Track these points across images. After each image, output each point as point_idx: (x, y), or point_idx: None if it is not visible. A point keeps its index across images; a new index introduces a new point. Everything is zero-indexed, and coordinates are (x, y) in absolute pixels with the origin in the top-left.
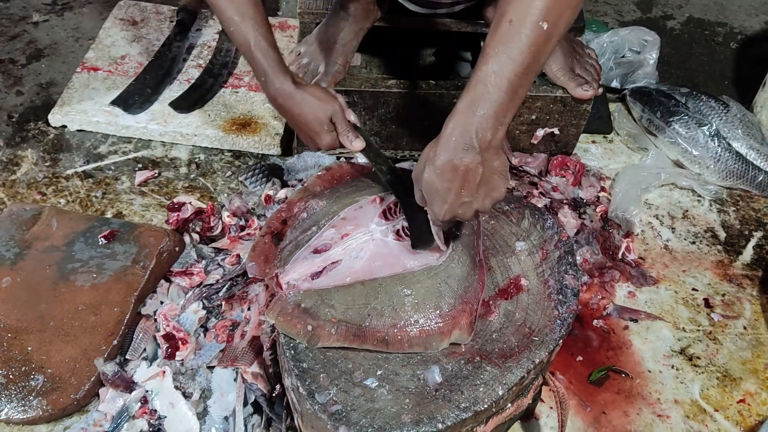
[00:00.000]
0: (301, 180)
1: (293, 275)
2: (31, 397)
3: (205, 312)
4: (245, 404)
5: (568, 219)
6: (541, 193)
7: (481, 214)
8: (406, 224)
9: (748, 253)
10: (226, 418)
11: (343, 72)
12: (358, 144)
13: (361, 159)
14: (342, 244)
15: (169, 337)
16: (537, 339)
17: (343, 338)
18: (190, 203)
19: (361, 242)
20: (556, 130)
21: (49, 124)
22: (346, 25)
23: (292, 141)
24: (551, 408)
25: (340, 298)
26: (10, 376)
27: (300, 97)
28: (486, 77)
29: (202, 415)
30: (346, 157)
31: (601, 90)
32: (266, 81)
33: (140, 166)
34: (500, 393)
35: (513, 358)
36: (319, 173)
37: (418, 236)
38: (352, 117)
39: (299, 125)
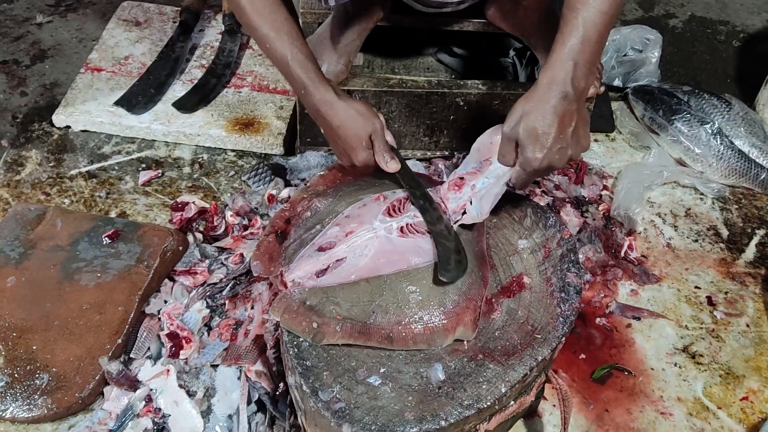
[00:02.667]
0: (303, 179)
1: (298, 273)
2: (36, 396)
3: (208, 311)
4: (249, 402)
5: (570, 217)
6: (543, 191)
7: (571, 162)
8: (410, 221)
9: (750, 251)
10: (230, 417)
11: (346, 72)
12: (394, 166)
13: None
14: (346, 242)
15: (173, 336)
16: (540, 337)
17: (348, 335)
18: (193, 203)
19: (365, 240)
20: None
21: (53, 125)
22: (348, 25)
23: (295, 140)
24: (554, 406)
25: (344, 295)
26: (15, 375)
27: (342, 109)
28: (578, 29)
29: (206, 414)
30: None
31: (603, 88)
32: (306, 93)
33: (144, 166)
34: (503, 390)
35: (516, 355)
36: (322, 172)
37: (446, 264)
38: (390, 138)
39: (337, 138)
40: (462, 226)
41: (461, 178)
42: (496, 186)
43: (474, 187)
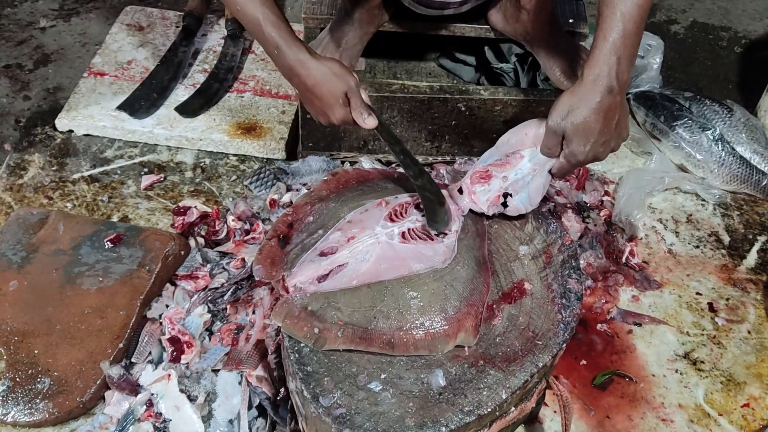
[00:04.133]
0: (305, 184)
1: (300, 278)
2: (38, 400)
3: (210, 315)
4: (250, 407)
5: (571, 223)
6: (544, 197)
7: (611, 153)
8: (411, 226)
9: (752, 257)
10: (230, 421)
11: None
12: (371, 121)
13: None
14: (348, 247)
15: (174, 341)
16: (540, 343)
17: (350, 341)
18: (195, 207)
19: (367, 245)
20: None
21: (56, 129)
22: (350, 30)
23: (296, 145)
24: (555, 412)
25: (346, 300)
26: (17, 379)
27: (315, 67)
28: (617, 24)
29: (207, 418)
30: (351, 162)
31: None
32: (279, 54)
33: (146, 170)
34: (504, 397)
35: (516, 361)
36: (325, 178)
37: (433, 215)
38: (365, 96)
39: (312, 97)
40: (464, 231)
41: (486, 171)
42: (540, 176)
43: (506, 179)
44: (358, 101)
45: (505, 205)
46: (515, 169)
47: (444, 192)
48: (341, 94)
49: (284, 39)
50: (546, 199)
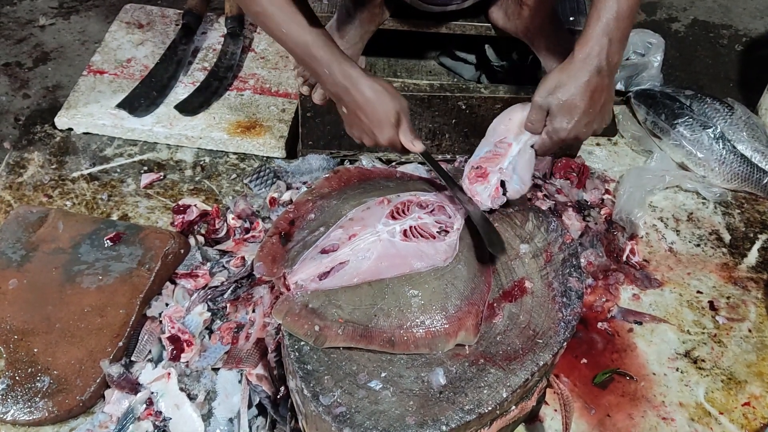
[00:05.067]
0: (305, 182)
1: (301, 275)
2: (37, 399)
3: (210, 314)
4: (250, 406)
5: (572, 221)
6: (545, 195)
7: (585, 137)
8: (413, 224)
9: (753, 256)
10: (230, 420)
11: None
12: (419, 145)
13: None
14: (349, 245)
15: (174, 339)
16: (541, 341)
17: (350, 339)
18: (195, 206)
19: (368, 243)
20: None
21: (55, 127)
22: (351, 28)
23: (296, 144)
24: (555, 410)
25: (347, 298)
26: (17, 378)
27: (369, 86)
28: (612, 6)
29: (206, 417)
30: (351, 161)
31: None
32: (331, 72)
33: (146, 168)
34: (504, 395)
35: (517, 360)
36: (327, 175)
37: (492, 237)
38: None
39: (362, 116)
40: (465, 230)
41: (479, 167)
42: (524, 154)
43: (502, 170)
44: (408, 124)
45: (504, 193)
46: (506, 158)
47: (444, 192)
48: (393, 113)
49: (336, 57)
50: (547, 197)
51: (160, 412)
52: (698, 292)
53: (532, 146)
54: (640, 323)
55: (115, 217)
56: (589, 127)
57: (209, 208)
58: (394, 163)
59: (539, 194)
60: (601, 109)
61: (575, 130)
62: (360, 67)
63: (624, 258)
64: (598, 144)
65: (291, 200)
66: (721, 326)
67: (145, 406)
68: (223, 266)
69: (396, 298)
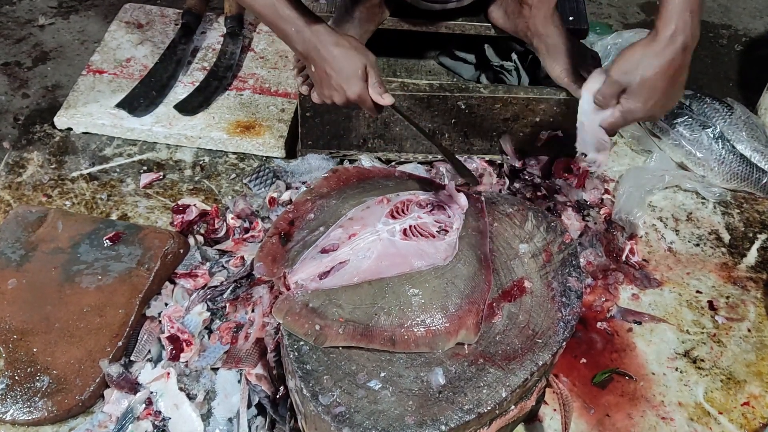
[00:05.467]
0: (304, 182)
1: (301, 275)
2: (37, 398)
3: (209, 314)
4: (249, 406)
5: (571, 221)
6: (544, 195)
7: (658, 118)
8: (413, 223)
9: (752, 256)
10: (230, 420)
11: None
12: (388, 99)
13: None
14: (349, 244)
15: (173, 339)
16: (540, 341)
17: (351, 338)
18: (194, 205)
19: (368, 242)
20: (559, 133)
21: (54, 127)
22: (351, 27)
23: (296, 143)
24: (555, 410)
25: (347, 297)
26: (16, 378)
27: (335, 41)
28: None
29: (206, 417)
30: (350, 160)
31: None
32: (297, 30)
33: (145, 168)
34: (503, 395)
35: (516, 360)
36: (326, 175)
37: (464, 170)
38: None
39: (330, 72)
40: (465, 229)
41: None
42: (594, 123)
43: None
44: (376, 77)
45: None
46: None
47: (444, 191)
48: (361, 67)
49: (303, 14)
50: (546, 197)
51: (160, 412)
52: (697, 291)
53: (600, 125)
54: (640, 323)
55: (114, 217)
56: (664, 108)
57: (209, 208)
58: (393, 163)
59: (539, 194)
60: (679, 88)
61: (652, 110)
62: (327, 24)
63: (623, 258)
64: None
65: (290, 200)
66: (720, 326)
67: (144, 405)
68: (223, 266)
69: (396, 297)
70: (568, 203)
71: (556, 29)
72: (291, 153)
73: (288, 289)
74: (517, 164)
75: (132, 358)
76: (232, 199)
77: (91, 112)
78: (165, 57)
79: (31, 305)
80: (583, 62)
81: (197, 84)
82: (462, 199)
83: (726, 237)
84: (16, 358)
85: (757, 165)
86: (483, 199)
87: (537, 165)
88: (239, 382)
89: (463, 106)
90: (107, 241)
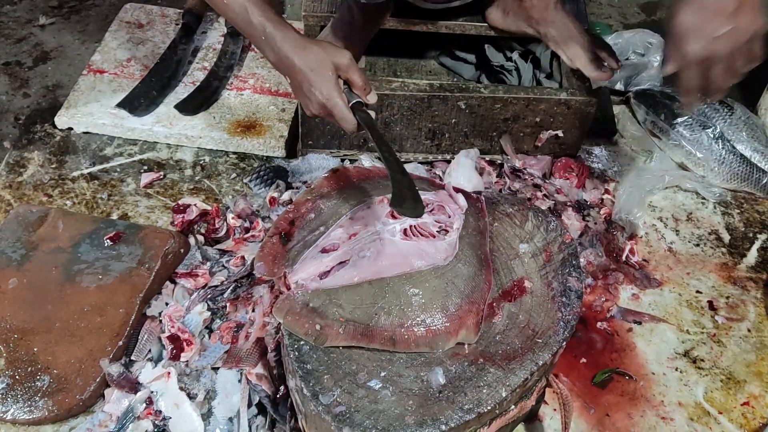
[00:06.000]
0: (305, 182)
1: (301, 275)
2: (37, 398)
3: (209, 313)
4: (249, 405)
5: (572, 221)
6: (545, 195)
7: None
8: (413, 223)
9: (752, 256)
10: (230, 419)
11: None
12: (373, 97)
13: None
14: (350, 244)
15: (174, 339)
16: (540, 341)
17: (351, 337)
18: (195, 205)
19: (368, 242)
20: (560, 133)
21: (55, 127)
22: (351, 30)
23: (296, 143)
24: (555, 410)
25: (347, 297)
26: (17, 377)
27: (306, 46)
28: None
29: (206, 416)
30: (351, 160)
31: (621, 64)
32: (267, 39)
33: (146, 168)
34: (504, 395)
35: (516, 359)
36: (326, 174)
37: (400, 197)
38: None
39: (302, 80)
40: (465, 229)
41: None
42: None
43: None
44: (358, 75)
45: None
46: None
47: (442, 191)
48: (331, 66)
49: (272, 23)
50: (546, 197)
51: (160, 411)
52: (697, 291)
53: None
54: (640, 323)
55: (114, 217)
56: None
57: (209, 208)
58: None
59: (539, 194)
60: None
61: (734, 37)
62: (296, 30)
63: (623, 258)
64: (597, 144)
65: (291, 200)
66: (720, 326)
67: (144, 405)
68: (223, 266)
69: (397, 297)
70: (569, 203)
71: (561, 13)
72: (291, 153)
73: (288, 288)
74: (518, 164)
75: (132, 357)
76: (233, 198)
77: (92, 112)
78: (165, 57)
79: (32, 305)
80: (594, 43)
81: (198, 84)
82: (461, 200)
83: (726, 237)
84: (16, 357)
85: (757, 165)
86: (483, 199)
87: (537, 165)
88: (240, 381)
89: (463, 106)
90: (108, 240)
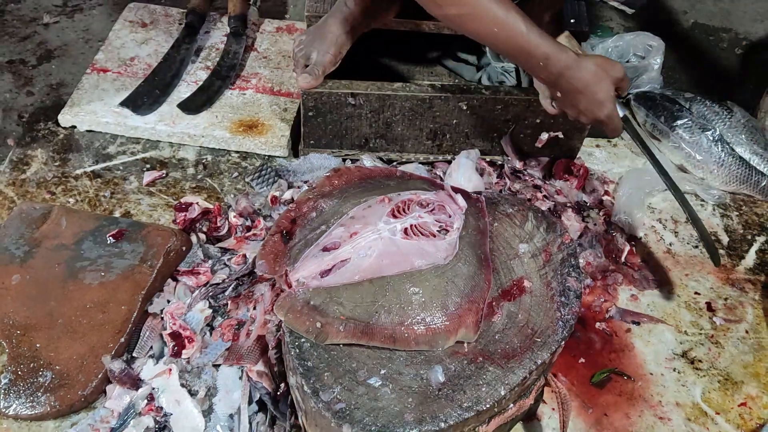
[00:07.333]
0: (306, 181)
1: (303, 273)
2: (39, 394)
3: (211, 311)
4: (250, 402)
5: (571, 222)
6: (545, 196)
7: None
8: (414, 222)
9: (750, 258)
10: (231, 416)
11: (334, 62)
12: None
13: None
14: (351, 243)
15: (175, 336)
16: (539, 340)
17: (351, 335)
18: (197, 203)
19: (369, 240)
20: (560, 134)
21: (58, 125)
22: (344, 20)
23: (298, 143)
24: (553, 409)
25: (348, 295)
26: (19, 373)
27: (585, 64)
28: None
29: (207, 413)
30: (352, 160)
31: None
32: (549, 61)
33: (148, 166)
34: (502, 393)
35: (515, 358)
36: (328, 174)
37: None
38: None
39: (581, 98)
40: (465, 228)
41: None
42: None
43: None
44: (626, 84)
45: None
46: None
47: (441, 191)
48: (613, 82)
49: (552, 46)
50: (546, 198)
51: (161, 408)
52: (696, 293)
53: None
54: (638, 323)
55: (117, 214)
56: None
57: (211, 206)
58: (395, 163)
59: (539, 195)
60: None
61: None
62: (571, 49)
63: (622, 259)
64: (597, 145)
65: (292, 199)
66: (718, 327)
67: (146, 401)
68: (225, 264)
69: (397, 296)
70: (568, 204)
71: (557, 33)
72: (293, 152)
73: (289, 286)
74: (518, 165)
75: (134, 354)
76: (235, 197)
77: (95, 110)
78: (169, 56)
79: (35, 301)
80: None
81: (200, 83)
82: (460, 200)
83: (725, 239)
84: (19, 353)
85: (756, 168)
86: (483, 199)
87: (537, 166)
88: (240, 378)
89: (464, 107)
90: (110, 238)
